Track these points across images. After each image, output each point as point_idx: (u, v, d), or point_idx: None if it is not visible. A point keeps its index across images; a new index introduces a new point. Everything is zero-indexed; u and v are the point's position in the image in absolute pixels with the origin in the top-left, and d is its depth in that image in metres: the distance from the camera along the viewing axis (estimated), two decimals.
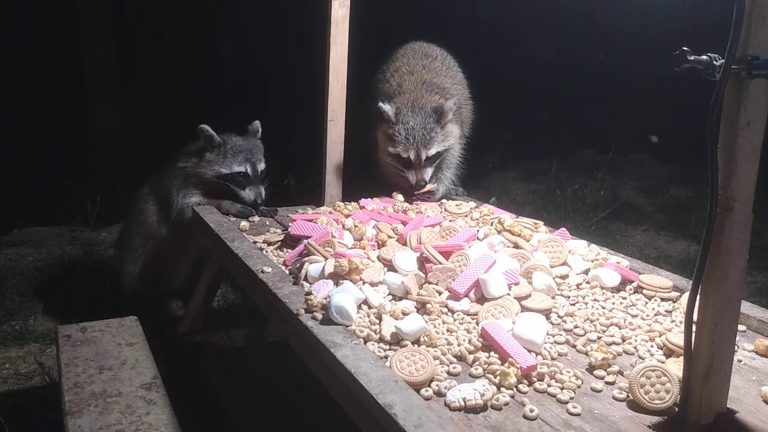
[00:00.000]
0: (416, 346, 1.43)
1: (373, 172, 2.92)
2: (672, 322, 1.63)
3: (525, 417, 1.21)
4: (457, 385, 1.28)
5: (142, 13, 6.04)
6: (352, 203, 2.48)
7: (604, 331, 1.57)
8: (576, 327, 1.59)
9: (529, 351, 1.42)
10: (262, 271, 1.82)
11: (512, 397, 1.28)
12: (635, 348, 1.50)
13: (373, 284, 1.72)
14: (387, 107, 2.63)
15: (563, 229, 2.19)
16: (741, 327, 1.64)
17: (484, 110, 3.00)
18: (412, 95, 2.69)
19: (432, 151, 2.64)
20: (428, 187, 2.66)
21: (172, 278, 3.03)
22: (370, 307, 1.61)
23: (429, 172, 2.67)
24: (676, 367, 1.31)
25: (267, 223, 2.53)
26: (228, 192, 2.64)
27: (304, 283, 1.77)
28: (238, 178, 2.62)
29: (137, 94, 5.59)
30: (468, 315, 1.61)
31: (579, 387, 1.33)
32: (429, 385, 1.30)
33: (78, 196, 4.67)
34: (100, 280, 3.51)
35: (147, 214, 2.84)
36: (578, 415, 1.23)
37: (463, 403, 1.22)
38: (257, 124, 2.76)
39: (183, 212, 2.65)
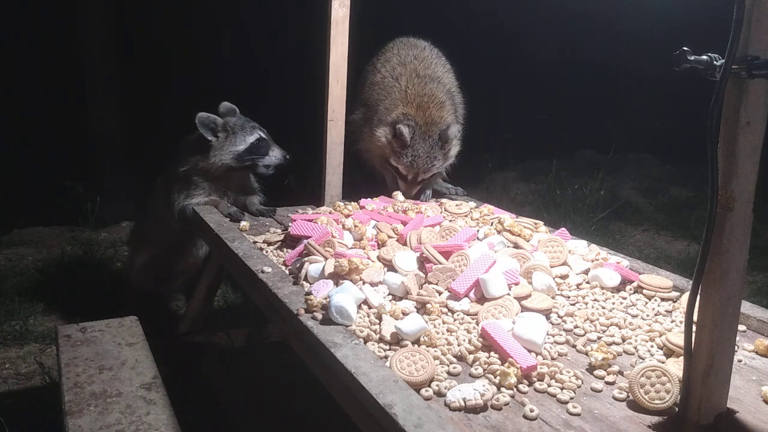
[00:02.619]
0: (416, 346, 1.43)
1: (362, 162, 3.00)
2: (672, 322, 1.63)
3: (525, 417, 1.21)
4: (457, 385, 1.28)
5: (142, 14, 6.04)
6: (352, 203, 2.48)
7: (604, 331, 1.57)
8: (576, 327, 1.59)
9: (529, 351, 1.41)
10: (262, 271, 1.82)
11: (512, 397, 1.28)
12: (635, 348, 1.50)
13: (373, 284, 1.72)
14: (406, 131, 2.65)
15: (563, 229, 2.19)
16: (741, 327, 1.64)
17: (484, 110, 3.00)
18: (422, 111, 2.71)
19: (429, 174, 2.74)
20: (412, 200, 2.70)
21: (177, 276, 3.06)
22: (370, 307, 1.61)
23: (419, 187, 2.77)
24: (676, 367, 1.31)
25: (267, 223, 2.53)
26: (242, 178, 2.59)
27: (304, 283, 1.77)
28: (257, 145, 2.57)
29: (137, 94, 5.60)
30: (468, 315, 1.61)
31: (579, 387, 1.33)
32: (429, 385, 1.30)
33: (78, 196, 4.67)
34: (100, 280, 3.52)
35: (158, 208, 2.86)
36: (578, 415, 1.23)
37: (463, 403, 1.22)
38: (227, 103, 2.69)
39: (184, 211, 2.65)
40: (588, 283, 1.84)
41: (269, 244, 2.17)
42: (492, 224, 2.17)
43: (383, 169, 2.86)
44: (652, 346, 1.50)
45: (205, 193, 2.63)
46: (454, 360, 1.41)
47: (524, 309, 1.64)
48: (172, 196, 2.67)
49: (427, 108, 2.72)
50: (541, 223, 2.23)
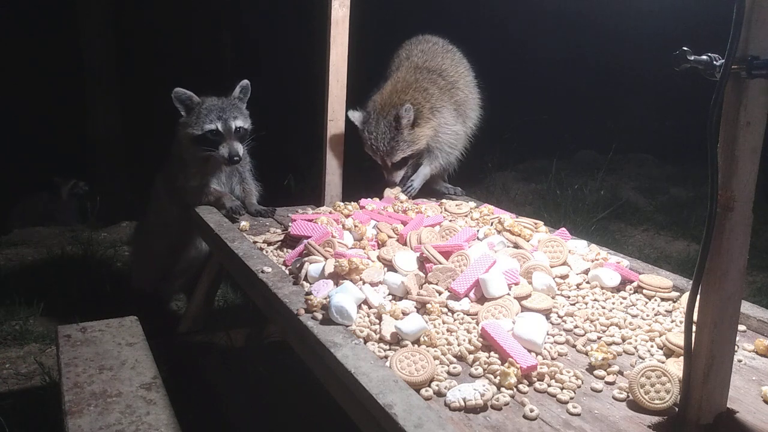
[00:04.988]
0: (416, 346, 1.43)
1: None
2: (672, 322, 1.63)
3: (525, 417, 1.21)
4: (457, 385, 1.28)
5: (142, 16, 6.05)
6: (352, 203, 2.47)
7: (604, 331, 1.57)
8: (576, 327, 1.59)
9: (529, 351, 1.41)
10: (262, 271, 1.82)
11: (512, 397, 1.28)
12: (635, 348, 1.50)
13: (373, 284, 1.72)
14: (355, 116, 2.68)
15: (563, 229, 2.19)
16: (741, 327, 1.64)
17: (484, 110, 3.00)
18: (385, 96, 2.69)
19: (396, 158, 2.68)
20: (399, 191, 2.68)
21: (178, 276, 3.06)
22: (370, 307, 1.61)
23: (400, 174, 2.73)
24: (676, 367, 1.31)
25: (267, 223, 2.53)
26: (212, 162, 2.56)
27: (304, 283, 1.77)
28: (209, 137, 2.48)
29: (137, 96, 5.60)
30: (468, 315, 1.61)
31: (579, 387, 1.33)
32: (429, 385, 1.30)
33: (78, 196, 4.68)
34: (100, 280, 3.51)
35: (161, 205, 2.86)
36: (578, 415, 1.23)
37: (463, 403, 1.22)
38: (245, 82, 2.64)
39: (185, 192, 2.62)
40: (588, 283, 1.84)
41: (269, 244, 2.17)
42: (492, 224, 2.17)
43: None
44: (652, 346, 1.50)
45: (198, 174, 2.59)
46: (454, 360, 1.41)
47: (524, 309, 1.64)
48: (176, 178, 2.66)
49: (402, 92, 2.67)
50: (541, 223, 2.23)
